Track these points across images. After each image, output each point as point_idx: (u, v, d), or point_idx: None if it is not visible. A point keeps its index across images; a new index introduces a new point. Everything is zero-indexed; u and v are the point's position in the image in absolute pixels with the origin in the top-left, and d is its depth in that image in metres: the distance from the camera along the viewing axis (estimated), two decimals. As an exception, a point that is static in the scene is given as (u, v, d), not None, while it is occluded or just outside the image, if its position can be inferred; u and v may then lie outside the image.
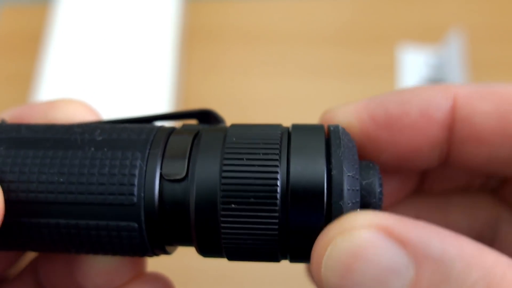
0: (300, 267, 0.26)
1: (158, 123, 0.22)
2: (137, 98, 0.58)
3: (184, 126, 0.21)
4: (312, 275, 0.17)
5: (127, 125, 0.20)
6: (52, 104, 0.23)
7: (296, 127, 0.19)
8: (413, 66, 0.62)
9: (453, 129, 0.20)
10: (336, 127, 0.19)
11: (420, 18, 0.66)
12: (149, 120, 0.22)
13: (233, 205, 0.17)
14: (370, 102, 0.21)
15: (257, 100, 0.61)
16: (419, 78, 0.62)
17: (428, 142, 0.20)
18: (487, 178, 0.24)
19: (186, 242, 0.19)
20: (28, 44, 0.65)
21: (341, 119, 0.21)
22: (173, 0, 0.65)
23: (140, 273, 0.23)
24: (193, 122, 0.22)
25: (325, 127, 0.19)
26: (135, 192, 0.18)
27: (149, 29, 0.63)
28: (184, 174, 0.18)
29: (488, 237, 0.24)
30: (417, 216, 0.24)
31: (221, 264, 0.45)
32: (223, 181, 0.17)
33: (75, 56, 0.61)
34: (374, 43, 0.64)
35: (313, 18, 0.67)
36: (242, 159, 0.18)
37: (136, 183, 0.18)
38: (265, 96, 0.61)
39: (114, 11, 0.64)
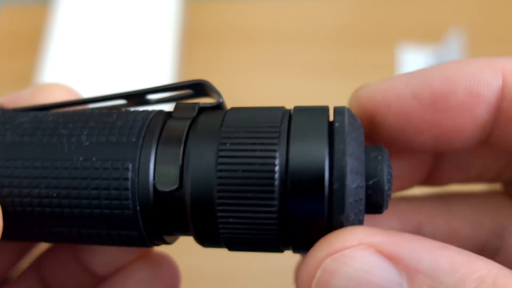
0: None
1: (150, 107, 0.21)
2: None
3: (176, 111, 0.19)
4: None
5: (115, 115, 0.19)
6: (37, 89, 0.23)
7: (298, 109, 0.18)
8: (413, 66, 0.62)
9: (501, 108, 0.18)
10: (342, 109, 0.18)
11: (420, 18, 0.66)
12: (143, 93, 0.21)
13: (231, 202, 0.17)
14: (411, 79, 0.19)
15: (257, 99, 0.61)
16: (419, 78, 0.62)
17: (473, 123, 0.19)
18: (503, 168, 0.23)
19: (185, 234, 0.19)
20: (28, 44, 0.65)
21: (379, 97, 0.19)
22: (173, 0, 0.65)
23: (146, 252, 0.24)
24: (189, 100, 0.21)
25: (331, 109, 0.18)
26: (130, 206, 0.17)
27: (149, 28, 0.63)
28: (177, 185, 0.17)
29: (493, 245, 0.23)
30: (420, 222, 0.24)
31: (220, 263, 0.45)
32: (219, 174, 0.17)
33: (75, 56, 0.61)
34: (374, 42, 0.64)
35: (313, 18, 0.67)
36: (239, 143, 0.17)
37: (130, 197, 0.17)
38: (265, 95, 0.61)
39: (114, 11, 0.64)
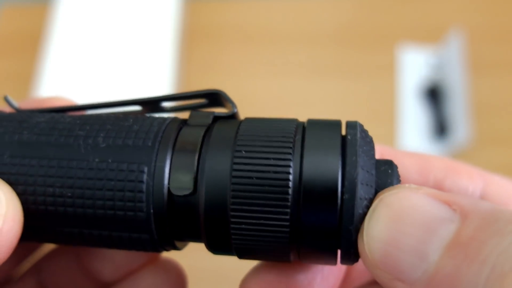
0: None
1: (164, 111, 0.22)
2: (137, 97, 0.58)
3: (191, 118, 0.20)
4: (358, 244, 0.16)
5: (131, 120, 0.19)
6: (41, 102, 0.23)
7: (311, 122, 0.18)
8: (413, 66, 0.62)
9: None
10: (354, 123, 0.18)
11: (420, 18, 0.66)
12: (158, 100, 0.21)
13: (244, 208, 0.17)
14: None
15: (256, 99, 0.61)
16: (419, 78, 0.62)
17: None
18: None
19: (197, 241, 0.19)
20: (28, 44, 0.65)
21: None
22: (173, 0, 0.65)
23: (154, 257, 0.24)
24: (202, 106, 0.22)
25: (342, 123, 0.19)
26: (144, 209, 0.18)
27: (149, 28, 0.63)
28: (191, 189, 0.17)
29: None
30: None
31: (220, 264, 0.45)
32: (233, 181, 0.17)
33: (75, 56, 0.61)
34: (375, 43, 0.64)
35: (313, 18, 0.67)
36: (254, 152, 0.17)
37: (144, 199, 0.17)
38: (264, 95, 0.61)
39: (114, 11, 0.64)
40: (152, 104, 0.22)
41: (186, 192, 0.17)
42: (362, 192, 0.16)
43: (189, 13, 0.67)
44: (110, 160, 0.18)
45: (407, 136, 0.58)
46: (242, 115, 0.21)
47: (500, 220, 0.14)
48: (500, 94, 0.60)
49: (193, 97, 0.21)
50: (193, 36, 0.66)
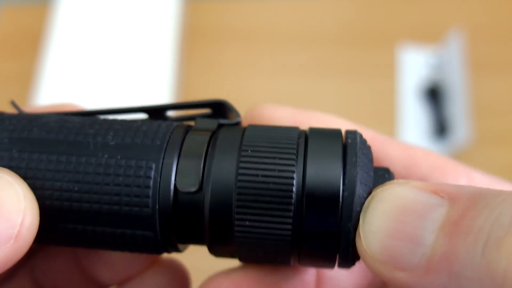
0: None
1: (170, 113, 0.22)
2: (137, 97, 0.58)
3: (197, 123, 0.20)
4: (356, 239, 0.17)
5: (140, 122, 0.20)
6: (47, 109, 0.23)
7: (313, 130, 0.19)
8: (413, 66, 0.62)
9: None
10: (354, 133, 0.19)
11: (420, 18, 0.66)
12: (162, 109, 0.22)
13: (248, 204, 0.17)
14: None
15: (256, 99, 0.61)
16: (419, 78, 0.62)
17: None
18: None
19: (199, 243, 0.20)
20: (28, 44, 0.65)
21: None
22: (173, 0, 0.65)
23: (156, 260, 0.24)
24: (206, 111, 0.22)
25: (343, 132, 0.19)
26: (150, 204, 0.18)
27: (149, 28, 0.63)
28: (197, 186, 0.18)
29: None
30: None
31: (221, 264, 0.45)
32: (240, 178, 0.17)
33: (75, 56, 0.61)
34: (375, 43, 0.64)
35: (313, 18, 0.67)
36: (259, 151, 0.18)
37: (150, 195, 0.18)
38: (264, 95, 0.61)
39: (114, 11, 0.64)
40: (157, 111, 0.22)
41: (193, 189, 0.18)
42: (361, 190, 0.17)
43: (189, 13, 0.67)
44: (119, 157, 0.18)
45: (407, 136, 0.58)
46: (241, 114, 0.21)
47: (486, 196, 0.14)
48: (500, 94, 0.60)
49: (199, 106, 0.22)
50: (193, 36, 0.66)
